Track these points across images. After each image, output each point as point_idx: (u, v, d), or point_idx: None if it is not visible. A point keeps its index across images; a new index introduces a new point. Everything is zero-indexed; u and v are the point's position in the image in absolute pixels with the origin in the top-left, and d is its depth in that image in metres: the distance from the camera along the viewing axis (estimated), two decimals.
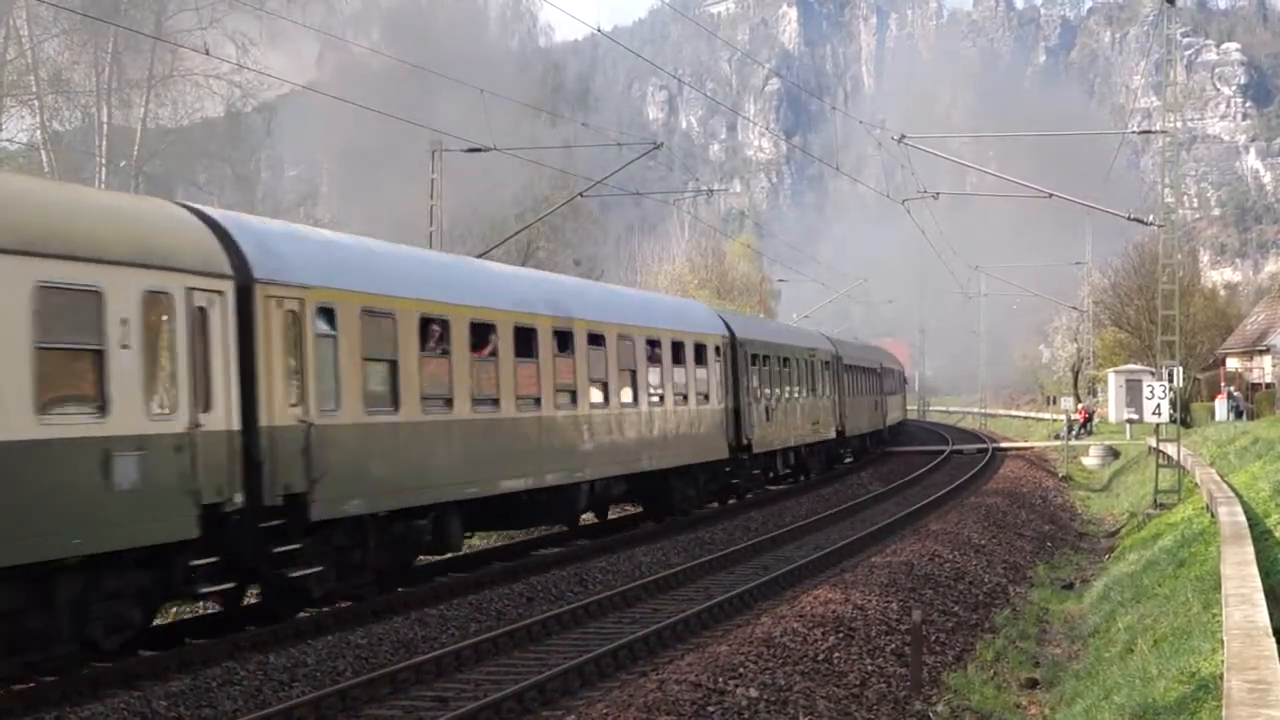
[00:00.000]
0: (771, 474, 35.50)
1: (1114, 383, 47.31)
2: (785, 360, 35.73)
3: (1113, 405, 48.33)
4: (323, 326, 16.05)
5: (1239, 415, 52.19)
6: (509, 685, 12.92)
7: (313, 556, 15.68)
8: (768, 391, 33.49)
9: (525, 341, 20.82)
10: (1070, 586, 21.42)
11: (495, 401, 19.82)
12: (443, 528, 18.68)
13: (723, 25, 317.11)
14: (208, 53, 30.47)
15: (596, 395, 23.36)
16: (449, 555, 20.40)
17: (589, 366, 23.00)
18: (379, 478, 16.99)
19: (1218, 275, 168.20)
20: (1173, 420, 34.73)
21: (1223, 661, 9.28)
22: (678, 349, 27.47)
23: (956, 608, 18.08)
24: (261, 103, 44.33)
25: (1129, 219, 36.11)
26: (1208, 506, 21.86)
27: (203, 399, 14.10)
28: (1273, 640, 9.19)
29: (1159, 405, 33.06)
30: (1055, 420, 68.82)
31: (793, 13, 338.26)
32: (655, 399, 26.01)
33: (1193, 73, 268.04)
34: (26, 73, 39.37)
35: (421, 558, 22.29)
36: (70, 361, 12.71)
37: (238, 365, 14.68)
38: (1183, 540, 20.27)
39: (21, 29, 39.31)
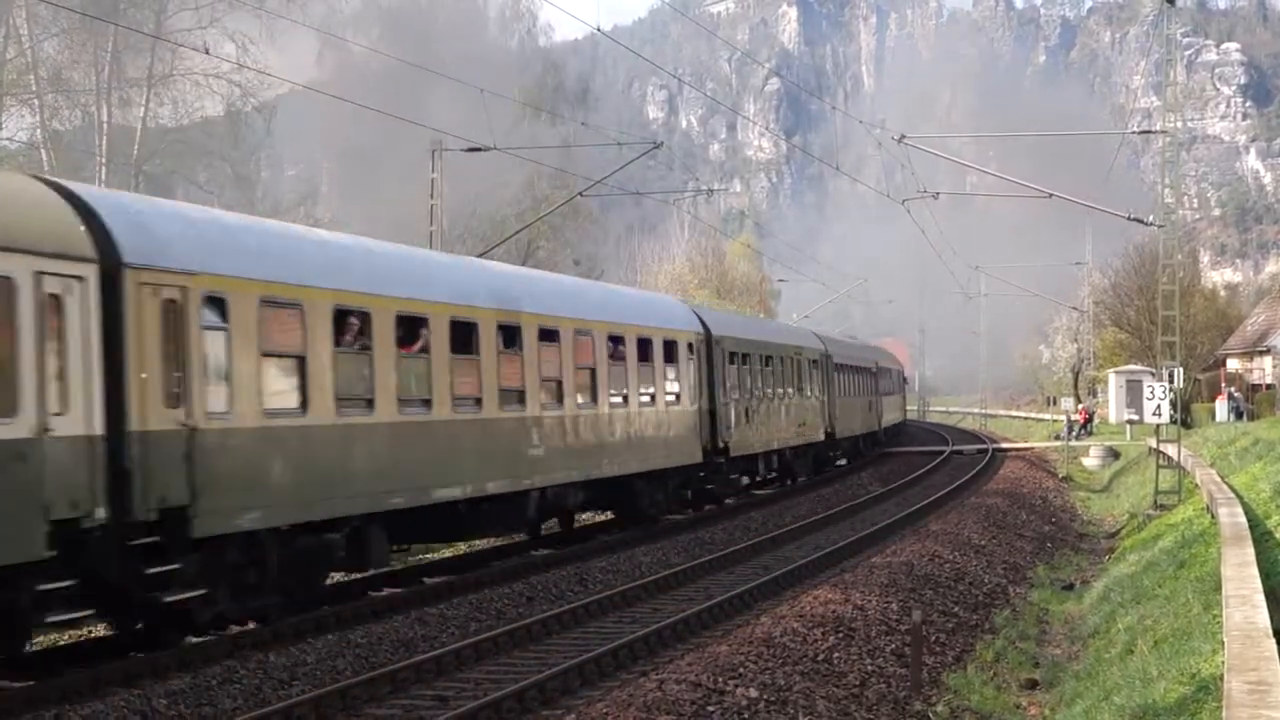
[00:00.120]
0: (756, 478, 34.20)
1: (1114, 383, 47.25)
2: (768, 359, 34.17)
3: (1113, 406, 48.26)
4: (211, 318, 14.28)
5: (1239, 416, 52.20)
6: (509, 684, 12.91)
7: (196, 577, 13.91)
8: (748, 391, 31.83)
9: (464, 337, 19.08)
10: (1070, 587, 21.42)
11: (427, 402, 18.04)
12: (362, 542, 16.83)
13: (723, 25, 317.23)
14: (208, 52, 30.48)
15: (549, 395, 21.59)
16: (382, 569, 18.52)
17: (540, 364, 21.22)
18: (281, 487, 15.17)
19: (1218, 276, 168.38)
20: (1173, 421, 34.72)
21: (1223, 662, 9.27)
22: (644, 346, 25.65)
23: (956, 608, 18.07)
24: (261, 102, 44.29)
25: (1129, 219, 36.09)
26: (1208, 507, 21.85)
27: (56, 400, 12.32)
28: (1273, 641, 9.18)
29: (1159, 406, 33.05)
30: (1055, 421, 68.81)
31: (793, 12, 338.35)
32: (617, 399, 24.17)
33: (1193, 73, 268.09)
34: (26, 72, 39.35)
35: (422, 557, 22.40)
36: None
37: (102, 362, 12.88)
38: (1183, 541, 20.27)
39: (21, 28, 39.29)
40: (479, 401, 19.31)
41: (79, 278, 12.72)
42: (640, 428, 25.19)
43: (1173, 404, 34.37)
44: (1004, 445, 58.25)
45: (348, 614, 16.49)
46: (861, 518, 29.44)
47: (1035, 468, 45.61)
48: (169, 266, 13.76)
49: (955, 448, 54.32)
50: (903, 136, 33.83)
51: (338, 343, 16.27)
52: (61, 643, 15.13)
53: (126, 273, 13.20)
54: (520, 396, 20.56)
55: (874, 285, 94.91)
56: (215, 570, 14.31)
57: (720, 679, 12.33)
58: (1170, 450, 33.05)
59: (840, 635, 14.87)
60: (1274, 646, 8.99)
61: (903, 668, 14.00)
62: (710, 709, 11.51)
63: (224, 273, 14.55)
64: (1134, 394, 39.92)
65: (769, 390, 33.89)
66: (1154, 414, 33.19)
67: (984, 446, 55.20)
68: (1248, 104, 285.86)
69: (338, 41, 43.42)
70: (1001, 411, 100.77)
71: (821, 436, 40.05)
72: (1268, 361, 63.79)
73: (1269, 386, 60.17)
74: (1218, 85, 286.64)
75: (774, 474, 35.97)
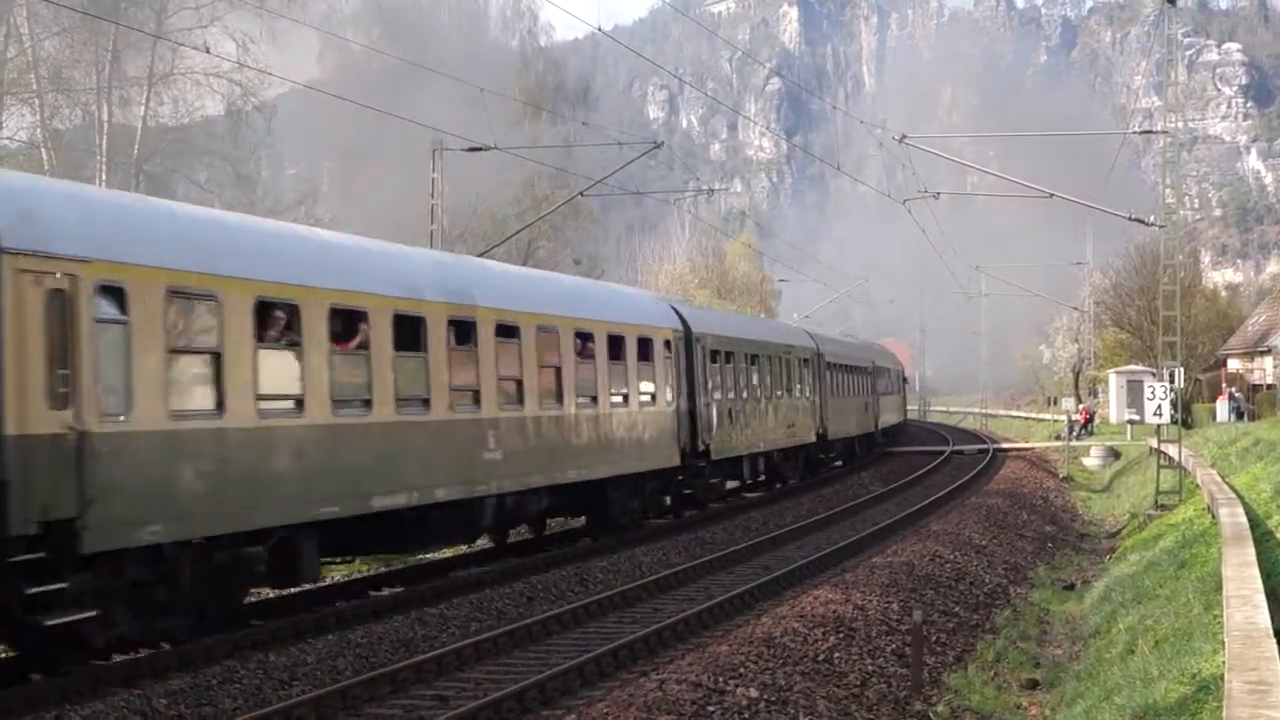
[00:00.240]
0: (743, 482, 33.23)
1: (1115, 383, 47.37)
2: (753, 357, 32.85)
3: (1114, 406, 48.35)
4: (108, 310, 12.99)
5: (1240, 416, 52.20)
6: (509, 684, 12.91)
7: (88, 597, 12.65)
8: (731, 391, 30.52)
9: (410, 332, 17.70)
10: (1071, 587, 21.42)
11: (366, 403, 16.63)
12: (290, 555, 15.52)
13: (723, 24, 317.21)
14: (208, 51, 30.46)
15: (507, 396, 20.20)
16: (308, 584, 17.22)
17: (498, 363, 19.83)
18: (191, 497, 13.76)
19: (1219, 276, 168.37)
20: (1174, 421, 34.72)
21: (1223, 662, 9.27)
22: (616, 343, 24.18)
23: (957, 608, 18.07)
24: (262, 101, 44.30)
25: (1130, 219, 36.09)
26: (1209, 507, 21.85)
27: None
28: (1274, 641, 9.18)
29: (1160, 406, 33.04)
30: (1056, 421, 68.83)
31: (793, 12, 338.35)
32: (585, 400, 22.79)
33: (1194, 73, 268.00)
34: (27, 71, 39.34)
35: (422, 558, 22.35)
36: None
37: None
38: (1184, 541, 20.27)
39: (22, 27, 39.28)
40: (427, 402, 18.02)
41: None
42: (611, 430, 23.84)
43: (1173, 404, 34.36)
44: (1005, 445, 58.27)
45: (348, 614, 16.48)
46: (862, 518, 29.44)
47: (1036, 468, 45.62)
48: (55, 253, 12.50)
49: (956, 448, 54.31)
50: (903, 136, 33.83)
51: (261, 338, 14.92)
52: None
53: (4, 259, 12.00)
54: (475, 397, 19.23)
55: (875, 285, 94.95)
56: (112, 589, 13.02)
57: (721, 679, 12.33)
58: (1171, 450, 33.06)
59: (841, 635, 14.87)
60: (1274, 646, 8.99)
61: (903, 668, 14.00)
62: (710, 709, 11.51)
63: (123, 260, 13.26)
64: (1135, 394, 40.00)
65: (755, 390, 32.72)
66: (1155, 414, 33.19)
67: (985, 446, 55.21)
68: (1249, 104, 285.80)
69: (338, 41, 43.45)
70: (1002, 411, 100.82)
71: (813, 438, 38.88)
72: (1268, 362, 63.77)
73: (1270, 387, 60.16)
74: (1219, 85, 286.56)
75: (762, 477, 35.02)
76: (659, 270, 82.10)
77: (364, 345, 16.73)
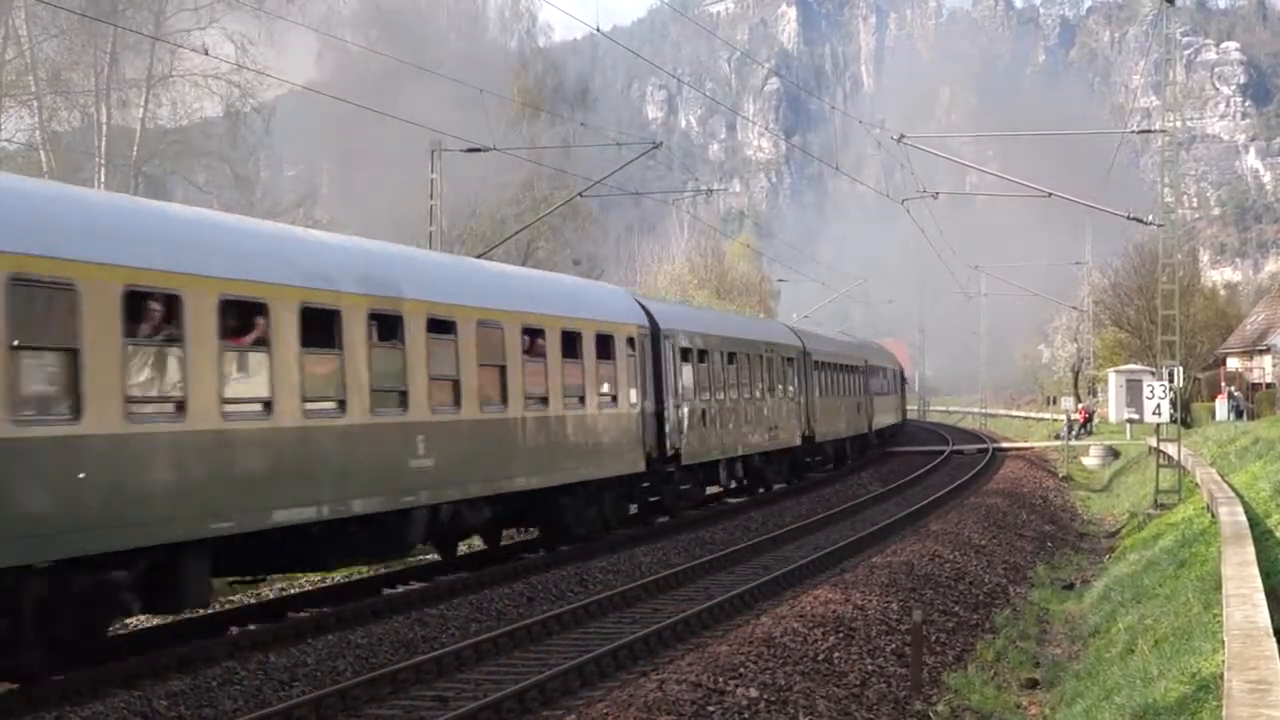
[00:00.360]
0: (725, 488, 31.95)
1: (1114, 383, 47.34)
2: (730, 355, 31.12)
3: (1113, 405, 48.34)
4: None
5: (1239, 415, 52.21)
6: (509, 685, 12.91)
7: None
8: (705, 392, 28.85)
9: (321, 327, 15.82)
10: (1071, 587, 21.42)
11: (266, 405, 14.79)
12: (171, 578, 13.72)
13: (722, 25, 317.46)
14: (207, 53, 30.49)
15: (441, 397, 18.29)
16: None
17: (429, 361, 17.94)
18: (41, 514, 11.98)
19: (1218, 275, 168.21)
20: (1173, 420, 34.74)
21: (1223, 661, 9.27)
22: (571, 340, 22.27)
23: (957, 608, 18.08)
24: (260, 102, 44.32)
25: (1129, 219, 36.10)
26: (1208, 506, 21.85)
27: None
28: (1273, 640, 9.19)
29: (1159, 405, 33.06)
30: (1055, 420, 68.87)
31: (792, 12, 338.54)
32: (534, 401, 20.87)
33: (1192, 72, 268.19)
34: (25, 73, 39.34)
35: (423, 558, 22.33)
36: None
37: None
38: (1183, 540, 20.27)
39: (20, 29, 39.28)
40: (342, 404, 16.09)
41: None
42: (564, 434, 21.92)
43: (1173, 403, 34.38)
44: (1004, 445, 58.28)
45: (348, 614, 16.47)
46: (862, 517, 29.44)
47: (1035, 467, 45.63)
48: None
49: (955, 447, 54.32)
50: (902, 136, 33.83)
51: (130, 332, 13.01)
52: None
53: None
54: (402, 398, 17.29)
55: (874, 285, 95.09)
56: None
57: (720, 679, 12.33)
58: (1170, 449, 33.07)
59: (840, 635, 14.87)
60: (1274, 645, 8.99)
61: (903, 667, 14.00)
62: (710, 709, 11.51)
63: None
64: (1134, 393, 39.95)
65: (732, 390, 30.95)
66: (1154, 413, 33.20)
67: (984, 446, 55.21)
68: (1247, 103, 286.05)
69: (337, 42, 43.48)
70: (1002, 411, 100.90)
71: (798, 440, 37.07)
72: (1267, 360, 63.80)
73: (1269, 385, 60.18)
74: (1217, 85, 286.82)
75: (743, 482, 33.41)
76: (658, 270, 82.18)
77: (263, 341, 14.85)
